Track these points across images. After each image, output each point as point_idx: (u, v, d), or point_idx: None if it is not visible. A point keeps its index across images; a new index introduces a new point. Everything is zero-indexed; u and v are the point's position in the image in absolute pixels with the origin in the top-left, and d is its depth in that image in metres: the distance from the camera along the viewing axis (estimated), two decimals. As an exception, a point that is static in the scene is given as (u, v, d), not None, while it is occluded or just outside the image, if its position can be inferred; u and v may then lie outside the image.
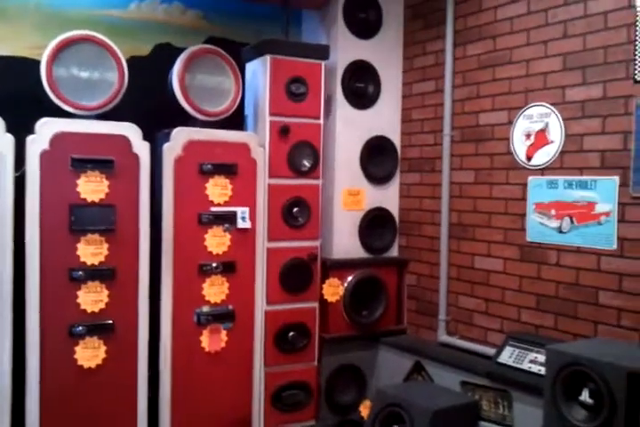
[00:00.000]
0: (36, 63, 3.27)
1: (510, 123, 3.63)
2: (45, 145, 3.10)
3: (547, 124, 3.43)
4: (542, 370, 3.03)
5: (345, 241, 4.18)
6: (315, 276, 3.93)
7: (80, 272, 3.18)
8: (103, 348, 3.25)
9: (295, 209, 3.83)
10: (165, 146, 3.42)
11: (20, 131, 3.09)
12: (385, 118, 4.34)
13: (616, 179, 3.08)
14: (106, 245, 3.24)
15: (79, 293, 3.19)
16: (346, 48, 4.14)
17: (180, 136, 3.45)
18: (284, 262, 3.80)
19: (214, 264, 3.53)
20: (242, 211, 3.60)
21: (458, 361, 3.71)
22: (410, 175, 4.37)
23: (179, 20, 4.15)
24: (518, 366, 3.32)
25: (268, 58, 3.73)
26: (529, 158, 3.52)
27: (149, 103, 3.72)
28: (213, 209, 3.53)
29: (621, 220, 3.06)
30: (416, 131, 4.32)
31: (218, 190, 3.54)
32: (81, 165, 3.17)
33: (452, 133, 4.02)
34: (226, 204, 3.56)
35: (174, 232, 3.43)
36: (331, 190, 4.12)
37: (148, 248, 3.36)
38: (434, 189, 4.16)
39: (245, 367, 3.70)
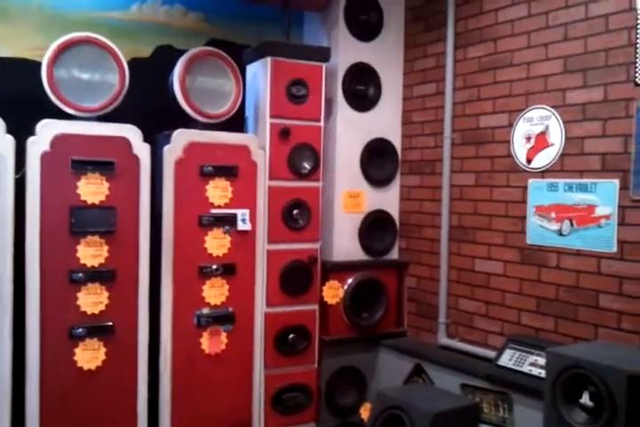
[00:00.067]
0: (37, 65, 3.27)
1: (511, 125, 3.63)
2: (46, 147, 3.11)
3: (547, 127, 3.43)
4: (542, 373, 3.03)
5: (345, 243, 4.18)
6: (315, 278, 3.93)
7: (80, 274, 3.18)
8: (103, 350, 3.25)
9: (295, 211, 3.83)
10: (166, 148, 3.42)
11: (21, 132, 3.09)
12: (385, 121, 4.34)
13: (616, 182, 3.08)
14: (106, 247, 3.24)
15: (79, 294, 3.19)
16: (347, 50, 4.14)
17: (181, 138, 3.45)
18: (285, 265, 3.80)
19: (214, 266, 3.53)
20: (242, 213, 3.60)
21: (458, 364, 3.70)
22: (410, 178, 4.37)
23: (180, 22, 4.15)
24: (518, 368, 3.32)
25: (268, 60, 3.73)
26: (529, 161, 3.52)
27: (150, 105, 3.72)
28: (214, 211, 3.53)
29: (621, 223, 3.06)
30: (416, 133, 4.32)
31: (218, 192, 3.54)
32: (81, 167, 3.17)
33: (452, 136, 4.02)
34: (226, 206, 3.56)
35: (174, 234, 3.43)
36: (331, 193, 4.12)
37: (148, 250, 3.36)
38: (434, 191, 4.16)
39: (245, 370, 3.69)
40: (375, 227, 4.28)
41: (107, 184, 3.22)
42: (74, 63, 3.30)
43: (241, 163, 3.61)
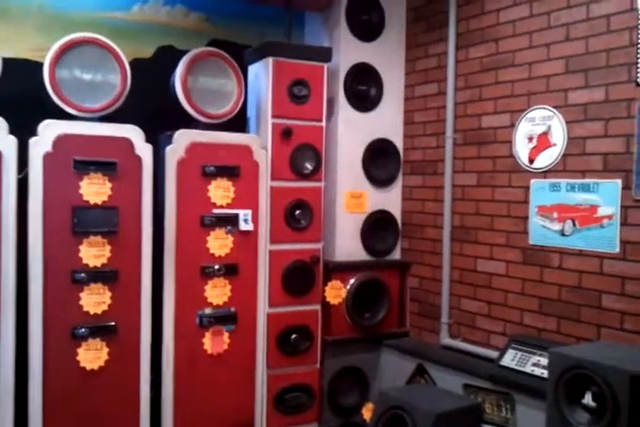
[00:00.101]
0: (39, 65, 3.27)
1: (513, 126, 3.63)
2: (48, 147, 3.11)
3: (549, 127, 3.42)
4: (545, 373, 3.03)
5: (347, 244, 4.18)
6: (317, 278, 3.93)
7: (82, 274, 3.18)
8: (106, 350, 3.25)
9: (297, 211, 3.83)
10: (168, 148, 3.42)
11: (23, 133, 3.10)
12: (387, 121, 4.34)
13: (618, 182, 3.08)
14: (108, 247, 3.24)
15: (82, 294, 3.19)
16: (348, 50, 4.14)
17: (183, 138, 3.45)
18: (287, 265, 3.80)
19: (216, 266, 3.53)
20: (244, 213, 3.60)
21: (460, 364, 3.70)
22: (412, 178, 4.37)
23: (182, 23, 4.15)
24: (521, 369, 3.32)
25: (270, 60, 3.73)
26: (531, 161, 3.52)
27: (152, 105, 3.72)
28: (216, 211, 3.53)
29: (624, 223, 3.06)
30: (418, 133, 4.32)
31: (220, 193, 3.54)
32: (84, 167, 3.17)
33: (454, 136, 4.02)
34: (228, 206, 3.56)
35: (177, 234, 3.43)
36: (333, 193, 4.12)
37: (151, 250, 3.36)
38: (436, 191, 4.16)
39: (248, 370, 3.69)
40: (377, 227, 4.28)
41: (109, 184, 3.23)
42: (76, 64, 3.30)
43: (243, 163, 3.61)
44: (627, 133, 3.05)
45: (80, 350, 3.20)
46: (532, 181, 3.51)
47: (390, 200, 4.36)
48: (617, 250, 3.08)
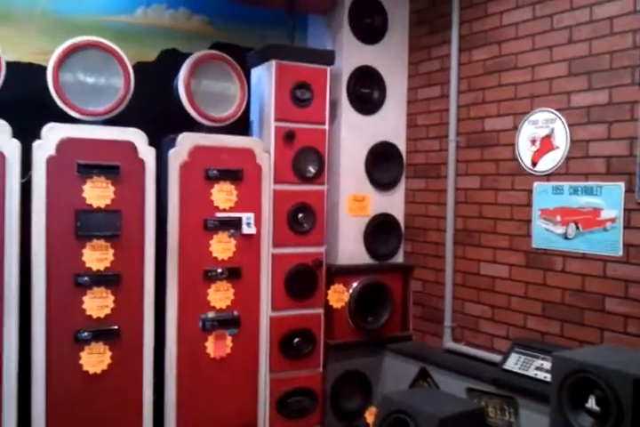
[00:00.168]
0: (43, 69, 3.28)
1: (516, 128, 3.63)
2: (51, 150, 3.11)
3: (552, 130, 3.42)
4: (548, 377, 3.01)
5: (350, 247, 4.18)
6: (320, 282, 3.92)
7: (86, 278, 3.18)
8: (108, 353, 3.25)
9: (300, 215, 3.82)
10: (171, 151, 3.42)
11: (27, 136, 3.10)
12: (390, 124, 4.34)
13: (622, 185, 3.07)
14: (111, 251, 3.24)
15: (85, 298, 3.19)
16: (351, 53, 4.15)
17: (186, 142, 3.45)
18: (289, 268, 3.79)
19: (219, 270, 3.53)
20: (247, 217, 3.60)
21: (463, 368, 3.70)
22: (415, 181, 4.36)
23: (185, 26, 4.16)
24: (524, 372, 3.31)
25: (273, 63, 3.73)
26: (534, 164, 3.51)
27: (155, 109, 3.73)
28: (219, 215, 3.53)
29: (627, 226, 3.05)
30: (421, 136, 4.32)
31: (223, 196, 3.54)
32: (87, 171, 3.18)
33: (457, 139, 4.01)
34: (231, 209, 3.56)
35: (180, 238, 3.43)
36: (336, 196, 4.12)
37: (154, 254, 3.36)
38: (439, 194, 4.15)
39: (251, 373, 3.69)
40: (380, 230, 4.28)
41: (112, 188, 3.23)
42: (79, 67, 3.31)
43: (246, 166, 3.61)
44: (630, 136, 3.05)
45: (83, 354, 3.20)
46: (535, 184, 3.50)
47: (393, 203, 4.36)
48: (620, 253, 3.08)
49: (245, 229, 3.59)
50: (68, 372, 3.17)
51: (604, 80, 3.18)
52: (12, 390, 3.04)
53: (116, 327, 3.26)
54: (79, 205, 3.16)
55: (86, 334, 3.19)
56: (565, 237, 3.33)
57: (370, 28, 4.23)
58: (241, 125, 3.85)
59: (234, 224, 3.57)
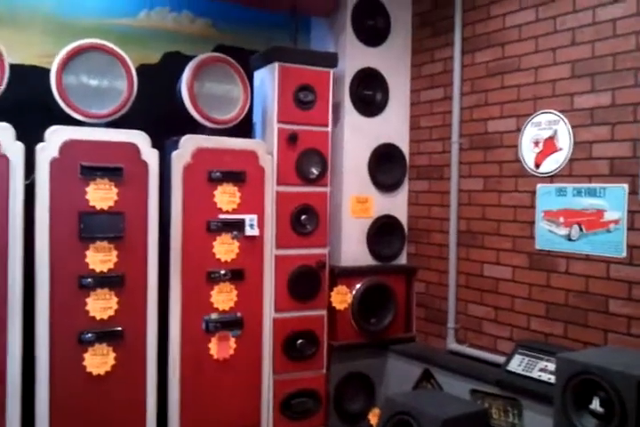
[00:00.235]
0: (46, 71, 3.29)
1: (519, 130, 3.63)
2: (55, 153, 3.12)
3: (555, 132, 3.42)
4: (552, 378, 3.01)
5: (353, 249, 4.18)
6: (323, 283, 3.92)
7: (89, 279, 3.19)
8: (112, 355, 3.25)
9: (303, 217, 3.83)
10: (174, 153, 3.43)
11: (30, 139, 3.11)
12: (393, 126, 4.34)
13: (625, 186, 3.07)
14: (115, 253, 3.24)
15: (88, 300, 3.20)
16: (354, 56, 4.15)
17: (189, 144, 3.46)
18: (293, 270, 3.79)
19: (222, 271, 3.53)
20: (250, 218, 3.61)
21: (467, 369, 3.69)
22: (418, 183, 4.36)
23: (188, 29, 4.16)
24: (528, 374, 3.30)
25: (276, 65, 3.74)
26: (537, 166, 3.51)
27: (158, 111, 3.74)
28: (222, 216, 3.54)
29: (630, 227, 3.05)
30: (424, 138, 4.32)
31: (226, 198, 3.54)
32: (90, 173, 3.18)
33: (460, 141, 4.01)
34: (234, 211, 3.57)
35: (183, 239, 3.44)
36: (339, 198, 4.12)
37: (157, 255, 3.37)
38: (442, 196, 4.15)
39: (254, 375, 3.69)
40: (383, 232, 4.28)
41: (115, 190, 3.23)
42: (82, 70, 3.32)
43: (249, 168, 3.62)
44: (633, 138, 3.05)
45: (86, 356, 3.20)
46: (539, 185, 3.50)
47: (396, 205, 4.36)
48: (624, 255, 3.07)
49: (248, 231, 3.60)
50: (72, 373, 3.18)
51: (607, 82, 3.18)
52: (16, 391, 3.05)
53: (119, 329, 3.27)
54: (82, 207, 3.17)
55: (90, 335, 3.19)
56: (569, 238, 3.33)
57: (372, 31, 4.23)
58: (244, 128, 3.85)
59: (237, 226, 3.57)
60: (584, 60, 3.28)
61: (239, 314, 3.60)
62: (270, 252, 3.72)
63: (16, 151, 3.05)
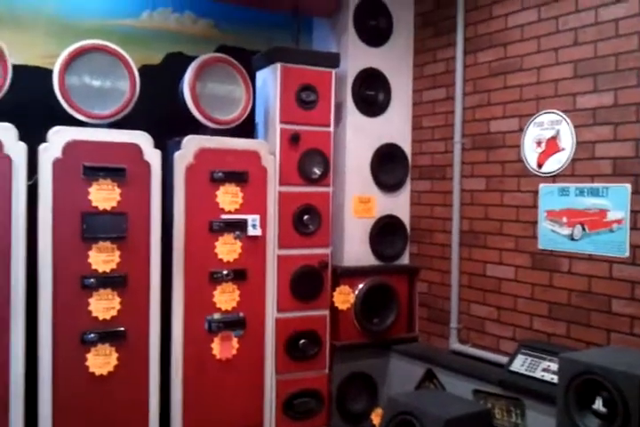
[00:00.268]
0: (49, 72, 3.29)
1: (521, 130, 3.63)
2: (58, 153, 3.13)
3: (558, 132, 3.42)
4: (555, 378, 3.01)
5: (356, 249, 4.18)
6: (325, 283, 3.92)
7: (92, 280, 3.19)
8: (115, 355, 3.26)
9: (306, 217, 3.83)
10: (177, 154, 3.43)
11: (33, 139, 3.11)
12: (395, 126, 4.34)
13: (628, 186, 3.07)
14: (117, 253, 3.25)
15: (91, 300, 3.21)
16: (356, 56, 4.15)
17: (191, 144, 3.46)
18: (295, 270, 3.80)
19: (225, 272, 3.53)
20: (252, 218, 3.61)
21: (470, 369, 3.69)
22: (421, 183, 4.36)
23: (190, 29, 4.17)
24: (531, 374, 3.30)
25: (278, 66, 3.74)
26: (540, 166, 3.51)
27: (161, 112, 3.74)
28: (224, 217, 3.54)
29: (633, 227, 3.05)
30: (427, 138, 4.32)
31: (229, 198, 3.55)
32: (93, 173, 3.19)
33: (462, 141, 4.01)
34: (236, 211, 3.57)
35: (185, 240, 3.44)
36: (341, 198, 4.12)
37: (160, 255, 3.37)
38: (445, 196, 4.15)
39: (256, 375, 3.69)
40: (386, 232, 4.28)
41: (118, 190, 3.24)
42: (85, 70, 3.32)
43: (251, 168, 3.62)
44: (636, 138, 3.05)
45: (89, 356, 3.21)
46: (541, 185, 3.50)
47: (399, 205, 4.36)
48: (627, 254, 3.07)
49: (251, 231, 3.60)
50: (75, 373, 3.19)
51: (609, 82, 3.17)
52: (19, 392, 3.05)
53: (122, 329, 3.27)
54: (85, 208, 3.18)
55: (92, 335, 3.20)
56: (571, 238, 3.33)
57: (375, 31, 4.23)
58: (246, 128, 3.85)
59: (239, 226, 3.57)
60: (586, 60, 3.28)
61: (242, 314, 3.60)
62: (273, 252, 3.72)
63: (19, 152, 3.06)
